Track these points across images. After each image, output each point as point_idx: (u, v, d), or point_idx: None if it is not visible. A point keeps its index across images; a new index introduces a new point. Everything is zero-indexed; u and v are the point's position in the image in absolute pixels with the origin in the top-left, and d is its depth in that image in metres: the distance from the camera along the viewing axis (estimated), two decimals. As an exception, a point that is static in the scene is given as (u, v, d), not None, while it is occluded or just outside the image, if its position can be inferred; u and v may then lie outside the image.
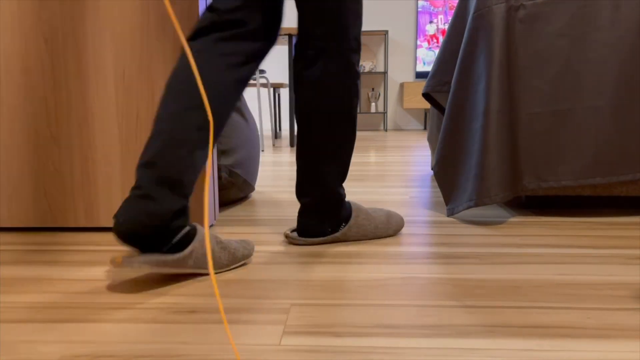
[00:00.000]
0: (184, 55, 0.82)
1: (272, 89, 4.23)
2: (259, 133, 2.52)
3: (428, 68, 5.58)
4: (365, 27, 5.52)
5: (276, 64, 5.62)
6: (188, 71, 0.80)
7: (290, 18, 5.67)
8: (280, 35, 3.30)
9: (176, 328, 0.62)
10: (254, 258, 0.91)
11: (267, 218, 1.23)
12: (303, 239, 0.99)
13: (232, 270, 0.84)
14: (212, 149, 1.13)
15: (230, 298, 0.72)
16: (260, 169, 2.23)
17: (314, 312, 0.67)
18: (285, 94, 5.46)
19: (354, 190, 1.61)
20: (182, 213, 0.77)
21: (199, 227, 0.80)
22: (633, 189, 1.18)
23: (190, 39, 0.84)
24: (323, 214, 0.97)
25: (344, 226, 0.99)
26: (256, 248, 0.98)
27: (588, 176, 1.15)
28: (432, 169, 1.44)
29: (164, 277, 0.81)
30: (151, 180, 0.75)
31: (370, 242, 1.01)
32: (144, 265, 0.72)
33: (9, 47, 1.05)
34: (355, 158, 2.60)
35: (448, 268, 0.85)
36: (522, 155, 1.17)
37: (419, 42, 5.53)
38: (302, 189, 0.98)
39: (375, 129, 5.78)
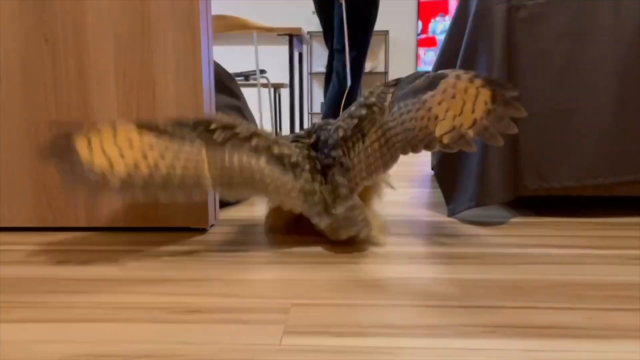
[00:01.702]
0: None
1: (272, 89, 4.23)
2: (260, 133, 2.51)
3: (429, 68, 5.58)
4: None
5: (276, 64, 5.62)
6: None
7: (291, 18, 5.67)
8: (280, 35, 3.30)
9: (176, 328, 0.62)
10: (254, 258, 0.91)
11: (268, 218, 1.23)
12: None
13: (233, 270, 0.84)
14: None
15: (230, 298, 0.72)
16: (261, 169, 2.23)
17: (315, 312, 0.67)
18: (285, 94, 5.45)
19: (355, 190, 1.61)
20: None
21: None
22: (634, 189, 1.17)
23: None
24: None
25: None
26: (256, 248, 0.97)
27: (590, 177, 1.15)
28: (432, 169, 1.44)
29: (163, 277, 0.81)
30: None
31: (370, 242, 1.01)
32: None
33: (10, 47, 1.05)
34: (356, 158, 2.59)
35: (448, 268, 0.84)
36: (523, 155, 1.17)
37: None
38: None
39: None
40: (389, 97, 0.96)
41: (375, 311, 0.67)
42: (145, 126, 0.88)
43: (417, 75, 0.94)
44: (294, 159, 0.96)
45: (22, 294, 0.74)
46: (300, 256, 0.92)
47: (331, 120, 1.06)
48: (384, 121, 0.94)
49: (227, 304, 0.70)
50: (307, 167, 0.97)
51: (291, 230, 1.07)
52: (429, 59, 5.66)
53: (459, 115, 0.85)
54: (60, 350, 0.57)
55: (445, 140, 0.85)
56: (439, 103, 0.87)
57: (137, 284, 0.78)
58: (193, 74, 1.05)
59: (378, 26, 5.75)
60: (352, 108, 1.00)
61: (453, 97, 0.86)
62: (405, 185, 1.71)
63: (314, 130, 1.04)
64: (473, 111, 0.85)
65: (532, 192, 1.18)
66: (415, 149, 0.89)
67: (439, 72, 0.91)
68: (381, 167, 0.94)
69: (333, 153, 0.97)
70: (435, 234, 1.07)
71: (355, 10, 2.61)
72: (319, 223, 0.95)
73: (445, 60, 1.37)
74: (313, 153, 1.01)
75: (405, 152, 0.91)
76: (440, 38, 5.59)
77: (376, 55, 5.60)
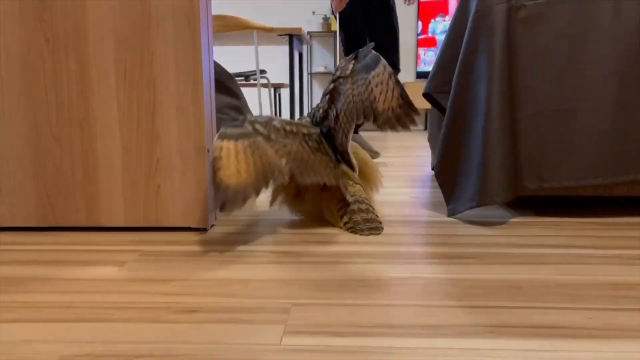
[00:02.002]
0: None
1: (272, 89, 4.24)
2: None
3: (429, 68, 5.58)
4: (366, 27, 5.53)
5: (276, 64, 5.62)
6: None
7: (291, 18, 5.67)
8: (281, 35, 3.31)
9: (176, 328, 0.62)
10: (254, 258, 0.91)
11: (268, 218, 1.23)
12: None
13: (233, 270, 0.84)
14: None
15: (230, 298, 0.72)
16: (261, 169, 2.23)
17: (315, 312, 0.67)
18: (285, 94, 5.45)
19: (355, 190, 1.61)
20: None
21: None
22: (634, 189, 1.17)
23: None
24: None
25: None
26: (256, 248, 0.98)
27: (589, 177, 1.15)
28: (432, 169, 1.44)
29: (163, 277, 0.81)
30: None
31: (370, 242, 1.01)
32: None
33: (10, 47, 1.05)
34: (356, 158, 2.59)
35: (448, 268, 0.84)
36: (523, 156, 1.17)
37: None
38: None
39: (377, 129, 5.78)
40: (350, 66, 1.13)
41: (375, 311, 0.67)
42: (231, 136, 1.01)
43: (367, 51, 1.12)
44: (316, 137, 1.14)
45: (22, 293, 0.74)
46: (300, 256, 0.92)
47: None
48: (346, 89, 1.12)
49: (227, 304, 0.70)
50: (323, 140, 1.15)
51: (294, 201, 1.21)
52: (429, 59, 5.66)
53: (386, 101, 1.07)
54: (60, 350, 0.57)
55: (381, 119, 1.07)
56: (376, 86, 1.07)
57: (137, 284, 0.78)
58: (193, 74, 1.05)
59: (378, 26, 5.73)
60: (326, 85, 1.19)
61: (381, 83, 1.07)
62: (405, 185, 1.72)
63: (312, 112, 1.23)
64: (392, 100, 1.07)
65: (532, 192, 1.18)
66: (367, 118, 1.09)
67: (376, 55, 1.09)
68: (348, 130, 1.12)
69: (325, 123, 1.16)
70: (435, 234, 1.07)
71: (376, 20, 2.84)
72: (345, 194, 1.13)
73: (446, 61, 1.37)
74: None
75: (359, 120, 1.09)
76: (440, 38, 5.59)
77: (376, 55, 5.61)
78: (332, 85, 1.15)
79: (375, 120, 1.08)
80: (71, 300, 0.71)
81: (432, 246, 0.98)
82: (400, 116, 1.06)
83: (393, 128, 1.07)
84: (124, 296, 0.73)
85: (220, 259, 0.91)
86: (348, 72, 1.13)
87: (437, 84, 1.39)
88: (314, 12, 5.66)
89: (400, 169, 2.19)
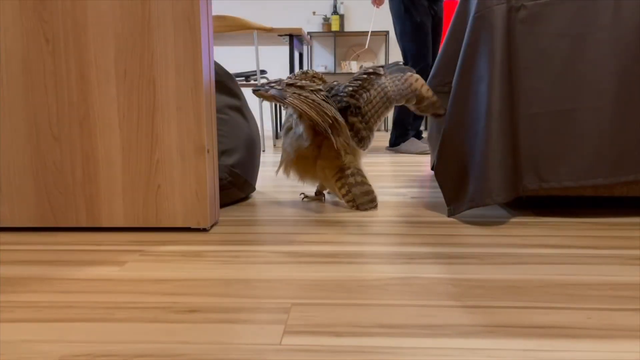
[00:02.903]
0: None
1: (272, 89, 4.23)
2: (260, 133, 2.52)
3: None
4: (365, 27, 5.53)
5: (277, 64, 5.62)
6: None
7: (292, 18, 5.67)
8: (281, 35, 3.30)
9: (176, 328, 0.62)
10: (254, 258, 0.91)
11: (268, 218, 1.23)
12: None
13: (233, 270, 0.84)
14: (213, 149, 1.14)
15: (230, 298, 0.72)
16: (261, 169, 2.24)
17: (315, 312, 0.67)
18: (286, 94, 5.44)
19: (355, 190, 1.61)
20: None
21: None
22: (634, 189, 1.17)
23: None
24: None
25: None
26: (256, 248, 0.98)
27: (589, 177, 1.15)
28: (432, 169, 1.44)
29: (163, 277, 0.81)
30: None
31: (370, 242, 1.01)
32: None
33: (11, 47, 1.05)
34: (356, 158, 2.59)
35: (448, 268, 0.84)
36: (523, 156, 1.17)
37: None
38: None
39: (377, 129, 5.78)
40: (382, 70, 1.34)
41: (375, 311, 0.67)
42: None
43: (397, 63, 1.37)
44: (324, 95, 1.28)
45: (22, 293, 0.74)
46: (300, 256, 0.92)
47: (341, 82, 1.40)
48: (381, 82, 1.32)
49: (227, 304, 0.70)
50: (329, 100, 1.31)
51: (299, 169, 1.38)
52: (429, 59, 5.65)
53: (429, 90, 1.33)
54: (60, 350, 0.57)
55: (426, 102, 1.32)
56: (415, 80, 1.30)
57: (137, 284, 0.78)
58: (193, 74, 1.05)
59: (378, 27, 5.73)
60: (356, 74, 1.35)
61: (418, 80, 1.31)
62: (405, 185, 1.71)
63: (333, 87, 1.37)
64: (430, 90, 1.34)
65: (531, 192, 1.18)
66: (409, 102, 1.31)
67: (406, 67, 1.36)
68: (383, 113, 1.32)
69: (345, 99, 1.30)
70: (435, 234, 1.07)
71: (395, 23, 2.97)
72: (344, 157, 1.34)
73: (446, 61, 1.37)
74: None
75: (398, 103, 1.31)
76: (441, 38, 5.59)
77: (376, 55, 5.61)
78: (364, 75, 1.32)
79: (419, 103, 1.31)
80: (71, 300, 0.71)
81: (432, 246, 0.98)
82: (440, 103, 1.33)
83: (437, 110, 1.33)
84: (124, 296, 0.73)
85: (220, 259, 0.91)
86: (381, 72, 1.33)
87: (437, 84, 1.39)
88: (314, 12, 5.66)
89: (401, 168, 2.19)
